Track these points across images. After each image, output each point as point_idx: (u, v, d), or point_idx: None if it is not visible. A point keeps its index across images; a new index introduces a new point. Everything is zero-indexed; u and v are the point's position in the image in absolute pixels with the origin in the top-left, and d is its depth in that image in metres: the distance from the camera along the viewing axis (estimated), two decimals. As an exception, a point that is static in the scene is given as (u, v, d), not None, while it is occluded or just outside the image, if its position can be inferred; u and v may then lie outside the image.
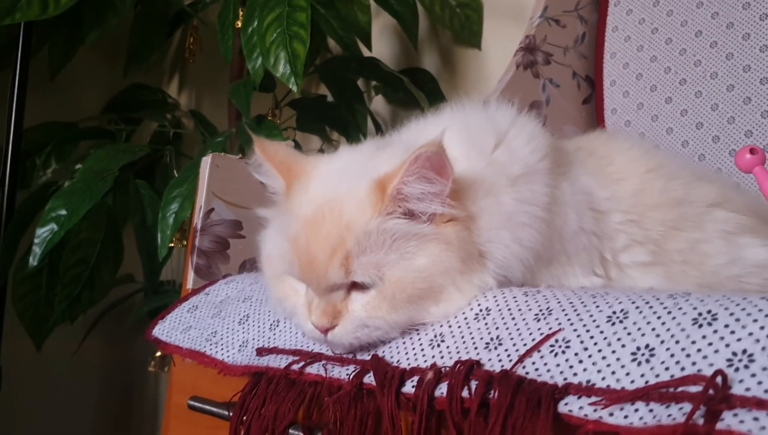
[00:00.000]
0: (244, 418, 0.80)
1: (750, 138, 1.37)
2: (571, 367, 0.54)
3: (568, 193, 0.75)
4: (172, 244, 1.94)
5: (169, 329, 0.99)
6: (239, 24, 1.92)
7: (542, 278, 0.73)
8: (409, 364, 0.66)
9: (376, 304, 0.68)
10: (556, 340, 0.57)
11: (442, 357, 0.64)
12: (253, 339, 0.87)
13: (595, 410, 0.49)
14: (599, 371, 0.52)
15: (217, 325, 0.93)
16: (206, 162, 1.13)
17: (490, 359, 0.60)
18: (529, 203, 0.70)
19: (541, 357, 0.56)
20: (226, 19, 1.90)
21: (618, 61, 1.61)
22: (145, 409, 2.52)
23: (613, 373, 0.51)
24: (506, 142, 0.74)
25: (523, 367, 0.57)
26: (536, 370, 0.56)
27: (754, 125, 1.35)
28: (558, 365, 0.55)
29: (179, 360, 1.00)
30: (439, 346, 0.66)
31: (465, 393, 0.57)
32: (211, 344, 0.91)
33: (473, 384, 0.58)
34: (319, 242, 0.68)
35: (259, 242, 0.81)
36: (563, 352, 0.55)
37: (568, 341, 0.56)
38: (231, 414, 0.82)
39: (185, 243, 1.99)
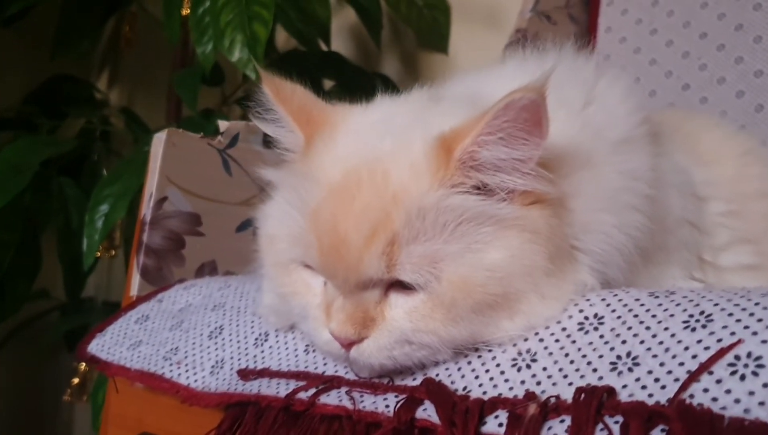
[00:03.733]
0: (222, 465, 0.58)
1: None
2: (778, 396, 0.35)
3: (669, 171, 0.57)
4: (99, 254, 1.68)
5: (111, 344, 0.76)
6: (186, 11, 1.71)
7: (638, 281, 0.55)
8: (484, 393, 0.47)
9: (426, 313, 0.48)
10: (737, 357, 0.38)
11: (538, 383, 0.45)
12: (232, 358, 0.65)
13: None
14: (832, 403, 0.34)
15: (179, 340, 0.71)
16: (160, 139, 0.91)
17: (625, 385, 0.41)
18: (635, 178, 0.52)
19: (718, 381, 0.38)
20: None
21: (612, 64, 1.48)
22: (55, 443, 2.21)
23: None
24: (598, 98, 0.56)
25: (691, 396, 0.38)
26: (714, 400, 0.37)
27: (768, 135, 1.23)
28: (752, 393, 0.36)
29: (123, 385, 0.77)
30: (529, 366, 0.46)
31: (601, 434, 0.38)
32: (170, 364, 0.69)
33: (612, 422, 0.39)
34: (351, 219, 0.48)
35: (257, 218, 0.60)
36: (755, 373, 0.37)
37: (759, 358, 0.38)
38: (202, 459, 0.60)
39: (114, 253, 1.73)
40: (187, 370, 0.67)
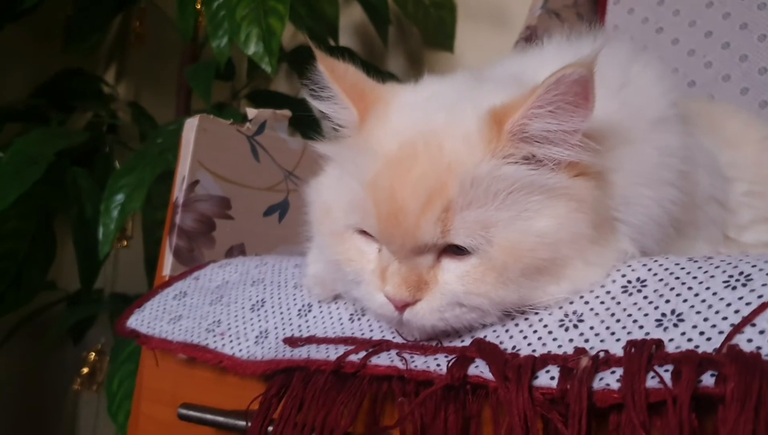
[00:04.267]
0: (270, 429, 0.61)
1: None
2: (819, 343, 0.39)
3: (698, 151, 0.61)
4: (110, 243, 1.71)
5: (150, 319, 0.78)
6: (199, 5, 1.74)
7: (670, 253, 0.58)
8: (533, 351, 0.50)
9: (478, 276, 0.51)
10: (778, 311, 0.42)
11: (586, 340, 0.48)
12: (276, 328, 0.68)
13: None
14: None
15: (221, 313, 0.74)
16: (192, 124, 0.94)
17: (672, 339, 0.44)
18: (670, 155, 0.55)
19: (761, 332, 0.41)
20: (187, -6, 1.71)
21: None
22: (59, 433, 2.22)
23: None
24: (633, 80, 0.59)
25: (736, 346, 0.41)
26: (759, 348, 0.40)
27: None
28: (794, 342, 0.40)
29: (159, 359, 0.79)
30: (576, 326, 0.49)
31: (652, 382, 0.41)
32: (214, 336, 0.71)
33: (662, 370, 0.42)
34: (408, 187, 0.51)
35: (308, 192, 0.63)
36: (795, 325, 0.40)
37: (799, 311, 0.41)
38: (250, 425, 0.63)
39: (126, 243, 1.76)
40: (231, 341, 0.70)
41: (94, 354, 1.81)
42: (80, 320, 1.92)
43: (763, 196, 0.66)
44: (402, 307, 0.53)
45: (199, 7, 1.75)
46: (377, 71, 1.85)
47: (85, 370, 1.80)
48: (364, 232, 0.56)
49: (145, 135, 2.01)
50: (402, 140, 0.53)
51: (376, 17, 1.91)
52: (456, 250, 0.52)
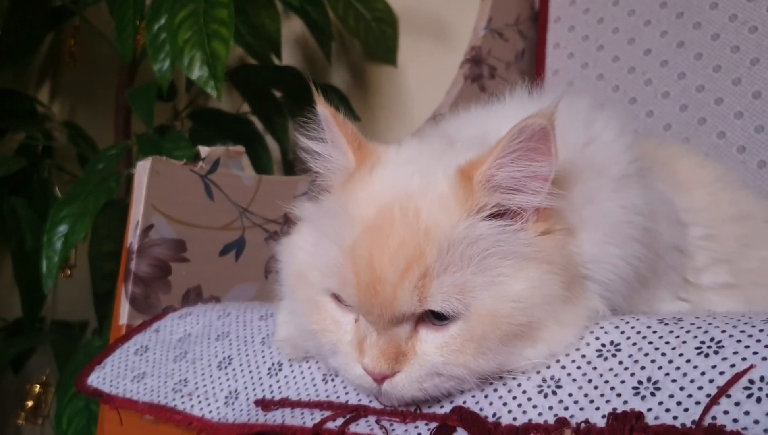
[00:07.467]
0: (245, 494, 0.60)
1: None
2: (793, 417, 0.41)
3: (658, 202, 0.62)
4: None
5: (112, 377, 0.76)
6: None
7: (634, 305, 0.60)
8: (514, 419, 0.50)
9: (457, 347, 0.52)
10: (751, 381, 0.43)
11: (566, 408, 0.49)
12: (246, 388, 0.67)
13: None
14: (840, 422, 0.39)
15: (186, 371, 0.72)
16: (144, 167, 0.91)
17: (650, 409, 0.45)
18: (635, 212, 0.57)
19: (737, 404, 0.43)
20: (125, 15, 1.66)
21: (561, 79, 1.55)
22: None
23: None
24: (596, 138, 0.60)
25: (713, 418, 0.43)
26: (735, 421, 0.42)
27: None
28: (769, 415, 0.41)
29: (123, 415, 0.77)
30: (555, 393, 0.50)
31: (636, 457, 0.43)
32: (181, 396, 0.70)
33: (644, 444, 0.43)
34: (387, 256, 0.51)
35: (280, 251, 0.63)
36: (769, 396, 0.42)
37: (772, 382, 0.43)
38: (225, 490, 0.62)
39: (69, 273, 1.71)
40: (200, 402, 0.68)
41: (38, 386, 1.75)
42: (24, 350, 1.86)
43: (717, 239, 0.68)
44: (381, 379, 0.53)
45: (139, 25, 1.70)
46: (318, 88, 1.86)
47: (30, 403, 1.74)
48: (338, 298, 0.56)
49: (83, 156, 1.96)
50: (379, 205, 0.53)
51: (318, 32, 1.90)
52: (434, 318, 0.52)
